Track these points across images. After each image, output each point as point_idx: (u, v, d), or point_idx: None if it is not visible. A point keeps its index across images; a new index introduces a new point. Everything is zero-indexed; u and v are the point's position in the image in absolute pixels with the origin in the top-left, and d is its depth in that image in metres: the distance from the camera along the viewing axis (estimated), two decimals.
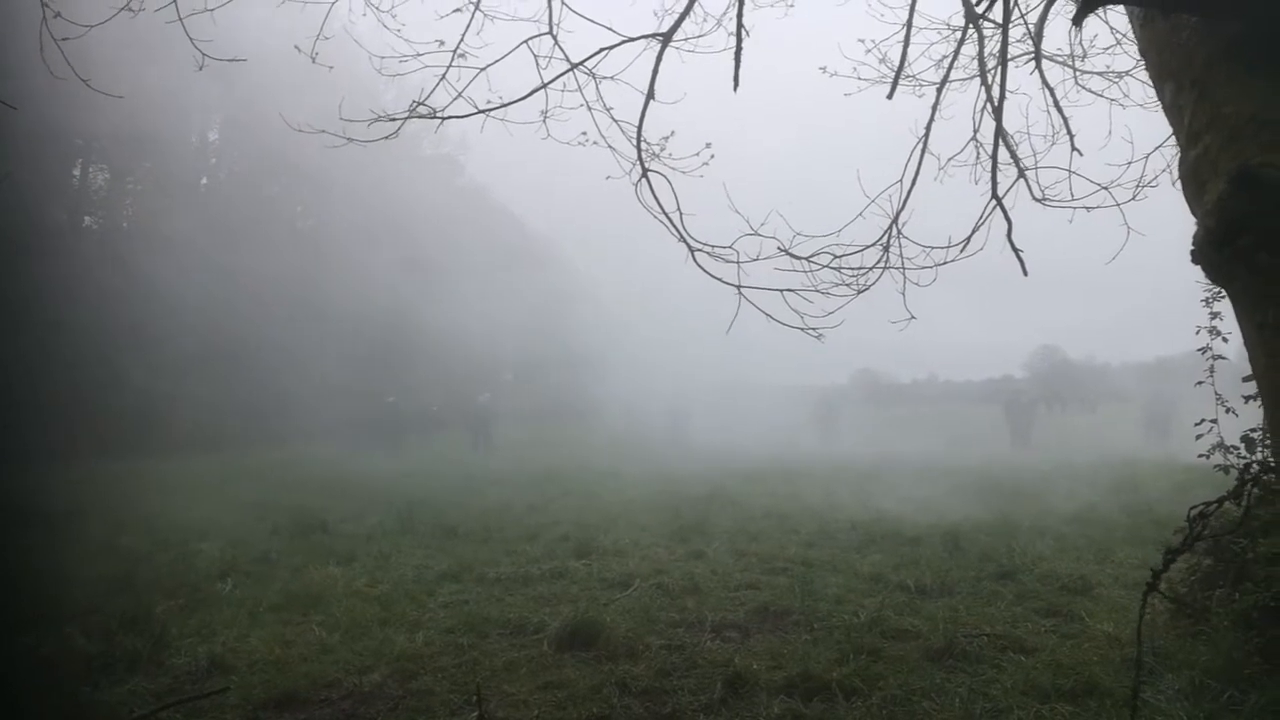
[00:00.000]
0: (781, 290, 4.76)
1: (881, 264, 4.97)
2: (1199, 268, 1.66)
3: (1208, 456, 5.76)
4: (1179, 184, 4.80)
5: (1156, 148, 4.98)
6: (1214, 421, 5.71)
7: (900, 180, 4.90)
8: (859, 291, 4.91)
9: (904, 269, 5.00)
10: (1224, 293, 5.46)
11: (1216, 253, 1.56)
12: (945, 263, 4.93)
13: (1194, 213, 1.71)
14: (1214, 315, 5.72)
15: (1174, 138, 1.81)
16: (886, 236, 4.98)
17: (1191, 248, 1.65)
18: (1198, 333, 5.82)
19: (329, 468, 18.87)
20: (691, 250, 4.84)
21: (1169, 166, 5.07)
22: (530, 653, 5.65)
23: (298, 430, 20.27)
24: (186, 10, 4.57)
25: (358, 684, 5.14)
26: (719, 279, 4.85)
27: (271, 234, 21.75)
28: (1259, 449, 5.22)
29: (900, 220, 4.98)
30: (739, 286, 4.78)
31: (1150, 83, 5.19)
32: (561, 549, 9.22)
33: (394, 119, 5.00)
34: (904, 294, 5.00)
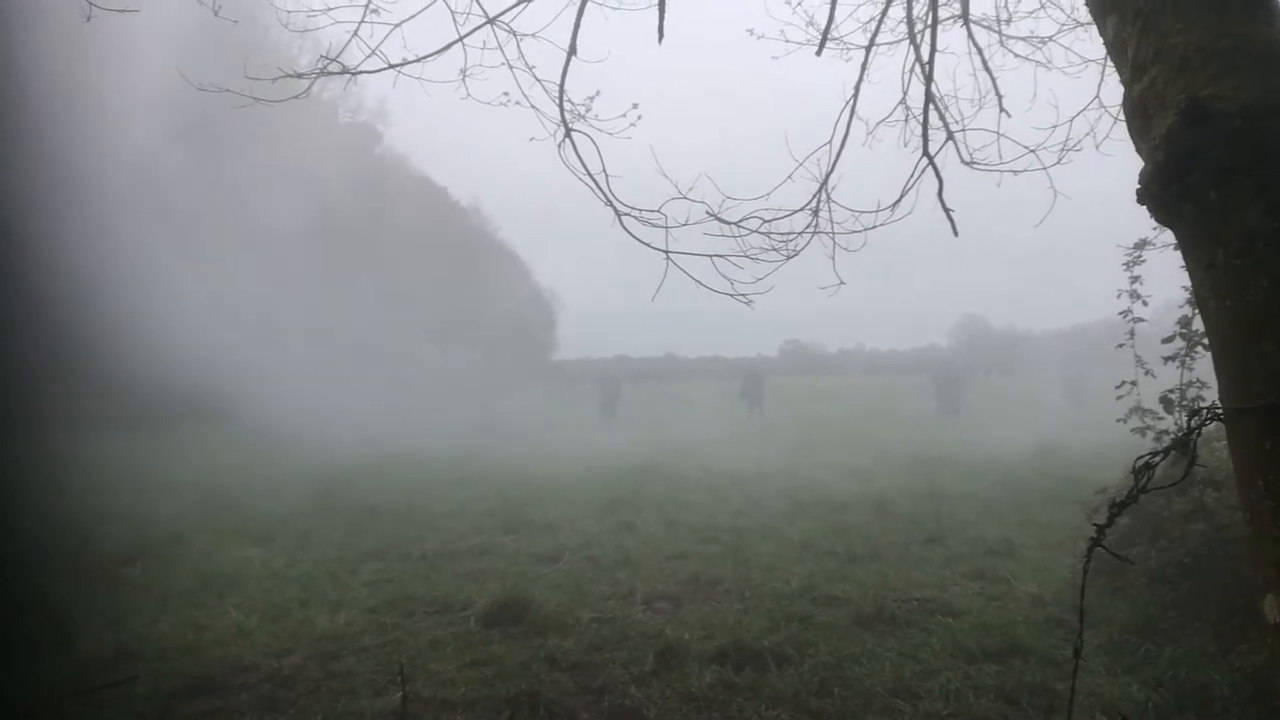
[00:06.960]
0: (711, 256, 4.63)
1: (811, 229, 4.88)
2: (1143, 210, 1.58)
3: (1125, 420, 5.84)
4: (1103, 144, 4.88)
5: (1080, 111, 5.00)
6: (1133, 384, 5.78)
7: (829, 142, 4.81)
8: (788, 257, 4.81)
9: (834, 234, 4.91)
10: (1144, 257, 5.61)
11: (1165, 189, 1.48)
12: (875, 226, 4.85)
13: (1139, 150, 1.63)
14: (1134, 279, 5.78)
15: (1117, 75, 1.73)
16: (815, 201, 4.89)
17: (1138, 186, 1.58)
18: (1119, 296, 5.88)
19: (248, 446, 18.26)
20: (618, 214, 4.67)
21: (1092, 131, 5.09)
22: (457, 630, 5.50)
23: (213, 409, 19.44)
24: None
25: (277, 667, 4.94)
26: (647, 244, 4.69)
27: (179, 205, 20.68)
28: (1176, 409, 5.31)
29: (829, 185, 4.89)
30: (667, 251, 4.63)
31: (1072, 51, 5.22)
32: (488, 524, 9.06)
33: (302, 76, 4.71)
34: (834, 259, 4.93)
